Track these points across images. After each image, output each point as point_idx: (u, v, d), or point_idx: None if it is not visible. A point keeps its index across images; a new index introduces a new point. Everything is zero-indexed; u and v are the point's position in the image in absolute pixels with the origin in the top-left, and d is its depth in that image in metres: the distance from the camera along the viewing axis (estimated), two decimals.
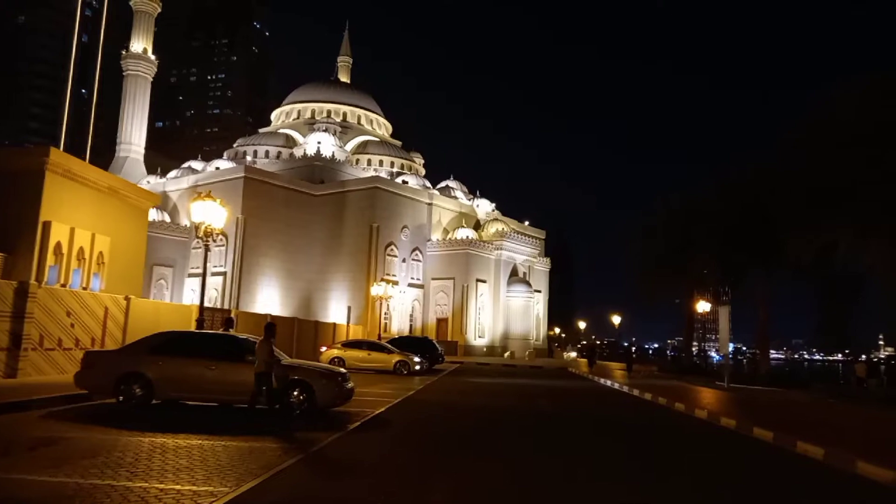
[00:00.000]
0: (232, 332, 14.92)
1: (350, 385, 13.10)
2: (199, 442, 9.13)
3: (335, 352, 27.12)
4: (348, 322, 39.75)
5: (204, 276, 19.16)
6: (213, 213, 18.05)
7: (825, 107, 25.41)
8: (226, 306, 49.06)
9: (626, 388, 25.02)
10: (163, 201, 59.81)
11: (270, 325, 11.59)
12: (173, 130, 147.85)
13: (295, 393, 11.58)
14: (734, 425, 14.10)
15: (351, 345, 27.95)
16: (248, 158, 64.97)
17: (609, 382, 28.40)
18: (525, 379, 29.60)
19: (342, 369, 13.57)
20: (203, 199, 17.93)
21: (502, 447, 10.67)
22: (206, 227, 18.04)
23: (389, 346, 28.36)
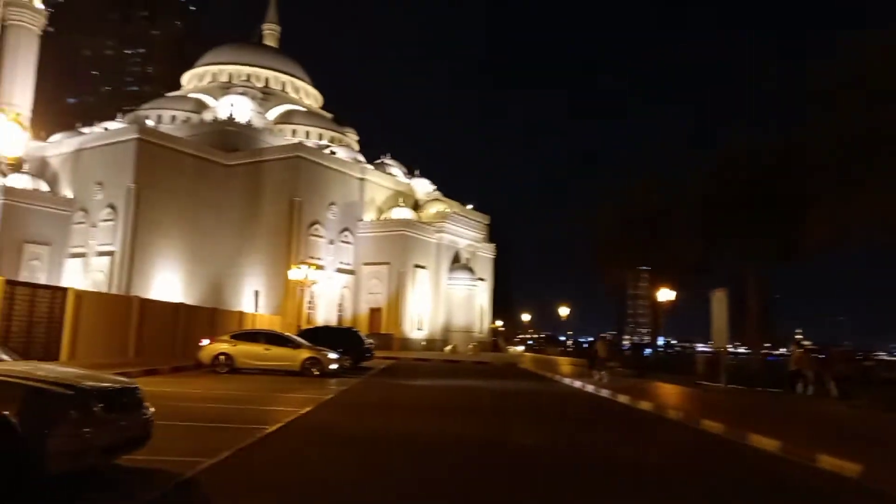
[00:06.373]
0: None
1: (147, 415, 6.33)
2: None
3: (222, 346, 19.99)
4: (256, 309, 32.36)
5: None
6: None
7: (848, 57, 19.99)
8: (114, 290, 40.62)
9: (607, 394, 19.07)
10: (41, 168, 50.39)
11: None
12: (87, 107, 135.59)
13: None
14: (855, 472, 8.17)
15: (244, 337, 20.80)
16: (150, 123, 55.88)
17: (590, 387, 22.43)
18: (475, 380, 23.28)
19: (121, 379, 6.60)
20: None
21: None
22: None
23: (298, 339, 21.44)
